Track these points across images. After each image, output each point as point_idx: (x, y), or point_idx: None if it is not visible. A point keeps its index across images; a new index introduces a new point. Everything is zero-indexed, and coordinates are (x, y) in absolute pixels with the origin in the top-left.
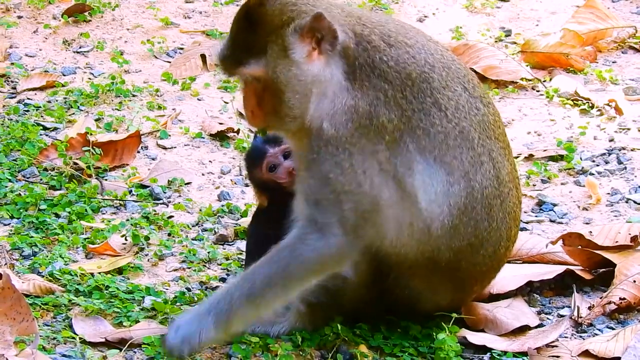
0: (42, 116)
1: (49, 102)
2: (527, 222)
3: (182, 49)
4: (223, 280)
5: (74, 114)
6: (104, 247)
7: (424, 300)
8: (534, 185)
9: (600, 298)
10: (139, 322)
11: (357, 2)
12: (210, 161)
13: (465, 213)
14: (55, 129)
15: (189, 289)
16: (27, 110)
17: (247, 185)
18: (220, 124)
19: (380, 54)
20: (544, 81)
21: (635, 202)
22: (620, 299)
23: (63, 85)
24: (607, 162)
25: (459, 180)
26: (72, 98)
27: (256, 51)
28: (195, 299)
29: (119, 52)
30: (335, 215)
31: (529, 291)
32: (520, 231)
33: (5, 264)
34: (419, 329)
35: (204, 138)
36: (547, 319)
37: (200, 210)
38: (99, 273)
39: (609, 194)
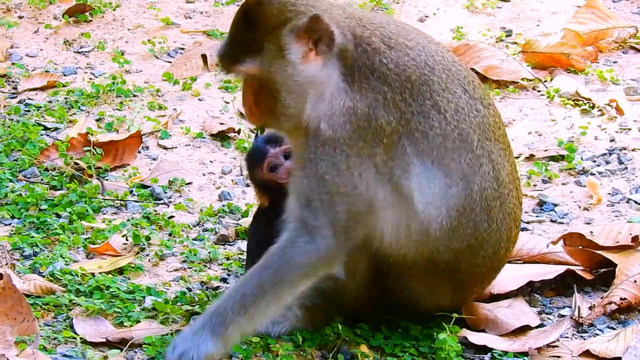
0: (43, 116)
1: (50, 102)
2: (527, 222)
3: (183, 49)
4: (224, 280)
5: (74, 114)
6: (104, 247)
7: (425, 301)
8: (535, 185)
9: (601, 298)
10: (139, 322)
11: (358, 2)
12: (211, 161)
13: (464, 215)
14: (56, 129)
15: (189, 289)
16: (28, 111)
17: (248, 186)
18: (221, 124)
19: (380, 56)
20: (545, 81)
21: (636, 202)
22: (621, 299)
23: (64, 86)
24: (608, 162)
25: (457, 183)
26: (73, 98)
27: (253, 50)
28: (196, 299)
29: (119, 52)
30: (327, 216)
31: (529, 291)
32: (521, 231)
33: (6, 264)
34: (420, 329)
35: (204, 138)
36: (548, 319)
37: (201, 210)
38: (100, 273)
39: (609, 194)
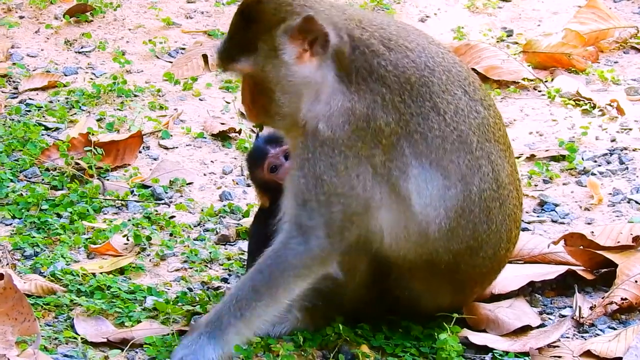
0: (43, 116)
1: (51, 102)
2: (528, 222)
3: (183, 49)
4: (225, 280)
5: (75, 114)
6: (105, 247)
7: (425, 301)
8: (536, 185)
9: (602, 298)
10: (140, 322)
11: (359, 2)
12: (212, 161)
13: (462, 216)
14: (57, 129)
15: (190, 289)
16: (29, 111)
17: (248, 186)
18: (222, 124)
19: (379, 58)
20: (546, 81)
21: (637, 202)
22: (621, 299)
23: (65, 86)
24: (608, 162)
25: (455, 184)
26: (74, 98)
27: (248, 48)
28: (197, 299)
29: (120, 52)
30: (322, 216)
31: (530, 291)
32: (522, 231)
33: (7, 264)
34: (421, 329)
35: (205, 138)
36: (549, 319)
37: (202, 210)
38: (101, 273)
39: (610, 194)
